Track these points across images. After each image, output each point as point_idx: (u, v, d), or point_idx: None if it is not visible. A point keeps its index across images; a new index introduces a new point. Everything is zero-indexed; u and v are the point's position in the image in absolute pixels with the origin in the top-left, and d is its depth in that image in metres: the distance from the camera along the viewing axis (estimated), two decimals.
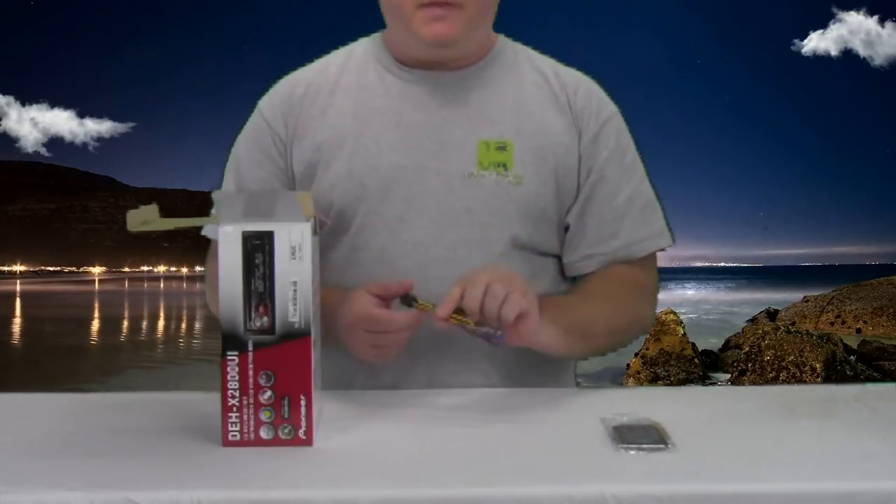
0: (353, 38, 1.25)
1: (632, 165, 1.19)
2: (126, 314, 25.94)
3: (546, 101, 1.16)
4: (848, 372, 7.29)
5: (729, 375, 8.31)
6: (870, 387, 1.16)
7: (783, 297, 21.83)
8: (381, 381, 1.10)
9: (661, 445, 0.77)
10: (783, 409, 0.96)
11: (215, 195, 0.83)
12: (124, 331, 19.54)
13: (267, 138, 1.19)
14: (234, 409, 0.79)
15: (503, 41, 1.21)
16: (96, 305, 32.20)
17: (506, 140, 1.12)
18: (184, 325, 21.18)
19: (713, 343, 11.37)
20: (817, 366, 7.08)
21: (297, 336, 0.79)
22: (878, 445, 0.78)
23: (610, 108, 1.20)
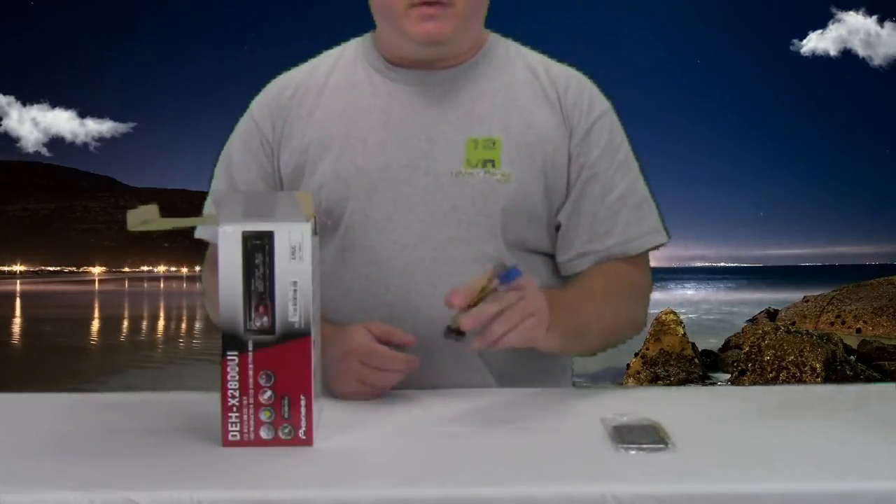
0: (353, 38, 1.25)
1: (625, 162, 1.18)
2: (126, 314, 25.93)
3: (536, 97, 1.15)
4: (848, 372, 7.29)
5: (729, 375, 8.31)
6: (870, 387, 1.16)
7: (783, 297, 21.83)
8: None
9: (661, 445, 0.77)
10: (783, 409, 0.96)
11: (215, 195, 0.83)
12: (124, 331, 19.54)
13: (255, 139, 1.20)
14: (234, 409, 0.79)
15: (494, 38, 1.21)
16: (96, 305, 32.19)
17: (494, 137, 1.11)
18: (184, 325, 21.18)
19: (713, 343, 11.37)
20: (817, 366, 7.08)
21: (297, 336, 0.79)
22: (878, 445, 0.79)
23: (602, 104, 1.18)
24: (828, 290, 14.42)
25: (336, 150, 1.13)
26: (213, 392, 0.86)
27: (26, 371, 11.46)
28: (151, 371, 10.98)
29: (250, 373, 0.79)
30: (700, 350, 9.66)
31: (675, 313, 9.09)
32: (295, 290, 0.79)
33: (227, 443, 0.79)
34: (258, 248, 0.79)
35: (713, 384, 8.06)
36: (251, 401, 0.79)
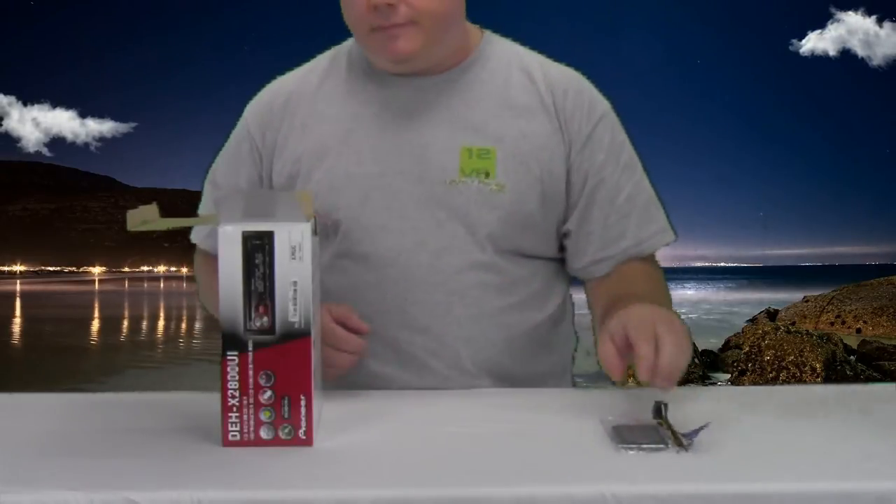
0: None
1: (630, 163, 1.17)
2: (126, 314, 25.93)
3: (532, 104, 1.13)
4: (848, 372, 7.29)
5: (729, 375, 8.31)
6: (870, 387, 1.16)
7: (783, 297, 21.83)
8: (355, 381, 1.06)
9: (661, 445, 0.77)
10: (783, 409, 0.96)
11: (215, 195, 0.83)
12: (124, 331, 19.54)
13: (246, 145, 1.20)
14: (234, 409, 0.79)
15: (489, 39, 1.18)
16: (96, 305, 32.19)
17: (489, 147, 1.10)
18: (184, 325, 21.18)
19: (713, 343, 11.37)
20: (817, 366, 7.08)
21: (297, 336, 0.79)
22: (878, 445, 0.78)
23: (601, 106, 1.16)
24: (828, 290, 14.42)
25: (330, 159, 1.12)
26: (213, 392, 0.86)
27: (26, 371, 11.46)
28: (151, 371, 10.98)
29: (250, 373, 0.79)
30: (700, 350, 9.66)
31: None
32: (295, 290, 0.79)
33: (227, 443, 0.79)
34: (258, 248, 0.79)
35: (713, 384, 8.06)
36: (251, 401, 0.79)
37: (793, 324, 11.56)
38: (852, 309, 12.92)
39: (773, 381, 7.09)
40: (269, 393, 0.79)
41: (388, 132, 1.12)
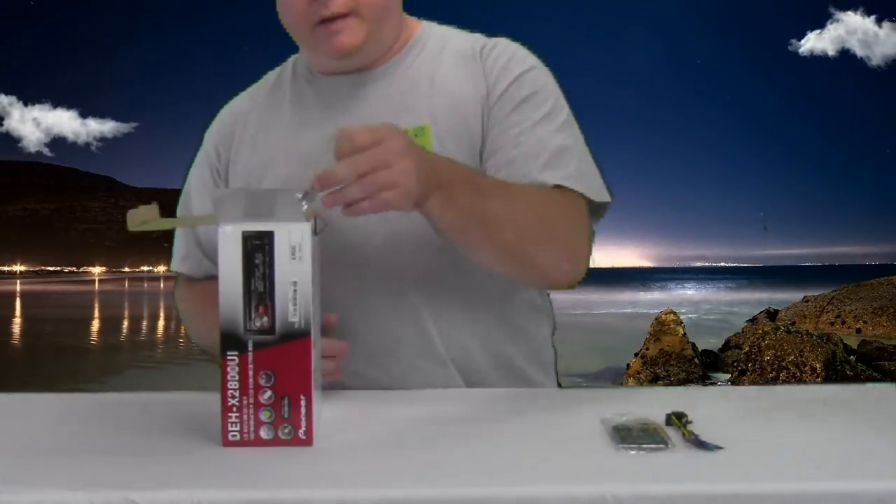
0: None
1: (549, 115, 1.09)
2: (126, 314, 25.93)
3: (462, 76, 1.12)
4: (848, 372, 7.29)
5: (729, 375, 8.31)
6: (870, 387, 1.16)
7: (783, 297, 21.84)
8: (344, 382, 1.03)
9: (661, 445, 0.77)
10: (783, 409, 0.96)
11: (215, 194, 0.83)
12: (124, 331, 19.54)
13: (206, 168, 1.23)
14: (234, 409, 0.79)
15: (427, 28, 1.19)
16: (96, 305, 32.20)
17: (422, 125, 1.09)
18: (184, 325, 21.17)
19: (713, 343, 11.37)
20: (817, 366, 7.08)
21: (297, 336, 0.79)
22: (878, 445, 0.78)
23: (522, 64, 1.12)
24: (828, 290, 14.43)
25: (278, 167, 1.14)
26: (213, 392, 0.86)
27: (26, 371, 11.47)
28: (151, 371, 10.98)
29: (250, 373, 0.79)
30: (700, 350, 9.67)
31: (675, 313, 9.09)
32: (295, 291, 0.79)
33: (227, 443, 0.79)
34: (258, 248, 0.79)
35: (713, 384, 8.06)
36: (251, 401, 0.79)
37: (793, 324, 11.56)
38: (852, 309, 12.92)
39: (773, 381, 7.09)
40: (269, 393, 0.79)
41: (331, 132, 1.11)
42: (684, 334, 8.80)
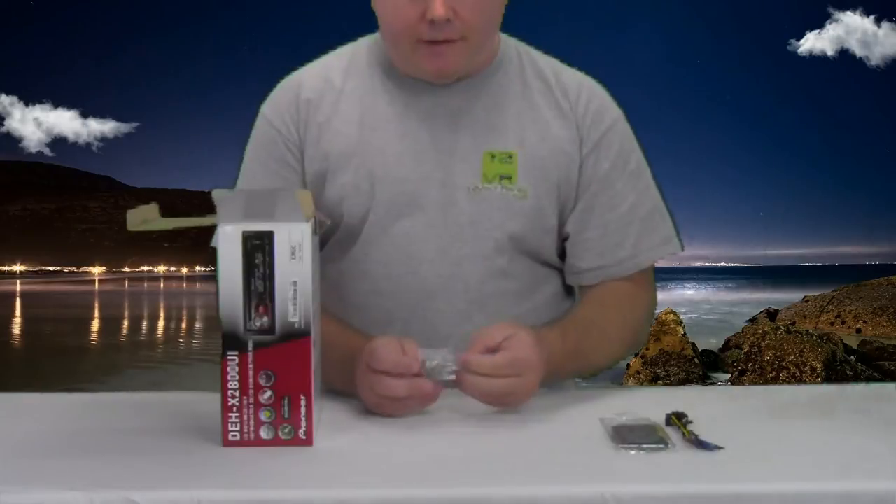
0: (354, 38, 1.22)
1: (636, 171, 1.16)
2: (126, 314, 25.93)
3: (549, 108, 1.13)
4: (848, 372, 7.28)
5: (729, 375, 8.31)
6: (870, 387, 1.16)
7: (783, 297, 21.83)
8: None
9: (661, 445, 0.77)
10: (783, 409, 0.96)
11: (215, 194, 0.83)
12: (124, 331, 19.53)
13: (280, 146, 1.14)
14: (234, 409, 0.79)
15: (506, 43, 1.17)
16: (96, 305, 32.19)
17: (510, 151, 1.09)
18: (184, 326, 21.17)
19: (713, 343, 11.36)
20: (817, 366, 7.08)
21: (297, 336, 0.79)
22: (878, 445, 0.79)
23: (612, 113, 1.16)
24: (828, 290, 14.42)
25: (356, 161, 1.10)
26: (213, 392, 0.86)
27: (26, 371, 11.46)
28: (151, 371, 10.97)
29: (250, 373, 0.79)
30: (700, 350, 9.66)
31: (675, 313, 9.09)
32: (295, 290, 0.79)
33: (227, 443, 0.79)
34: (258, 248, 0.79)
35: (713, 384, 8.06)
36: (251, 401, 0.79)
37: (793, 324, 11.56)
38: (852, 309, 12.92)
39: (773, 381, 7.09)
40: (269, 393, 0.79)
41: (410, 136, 1.10)
42: (684, 334, 8.80)
